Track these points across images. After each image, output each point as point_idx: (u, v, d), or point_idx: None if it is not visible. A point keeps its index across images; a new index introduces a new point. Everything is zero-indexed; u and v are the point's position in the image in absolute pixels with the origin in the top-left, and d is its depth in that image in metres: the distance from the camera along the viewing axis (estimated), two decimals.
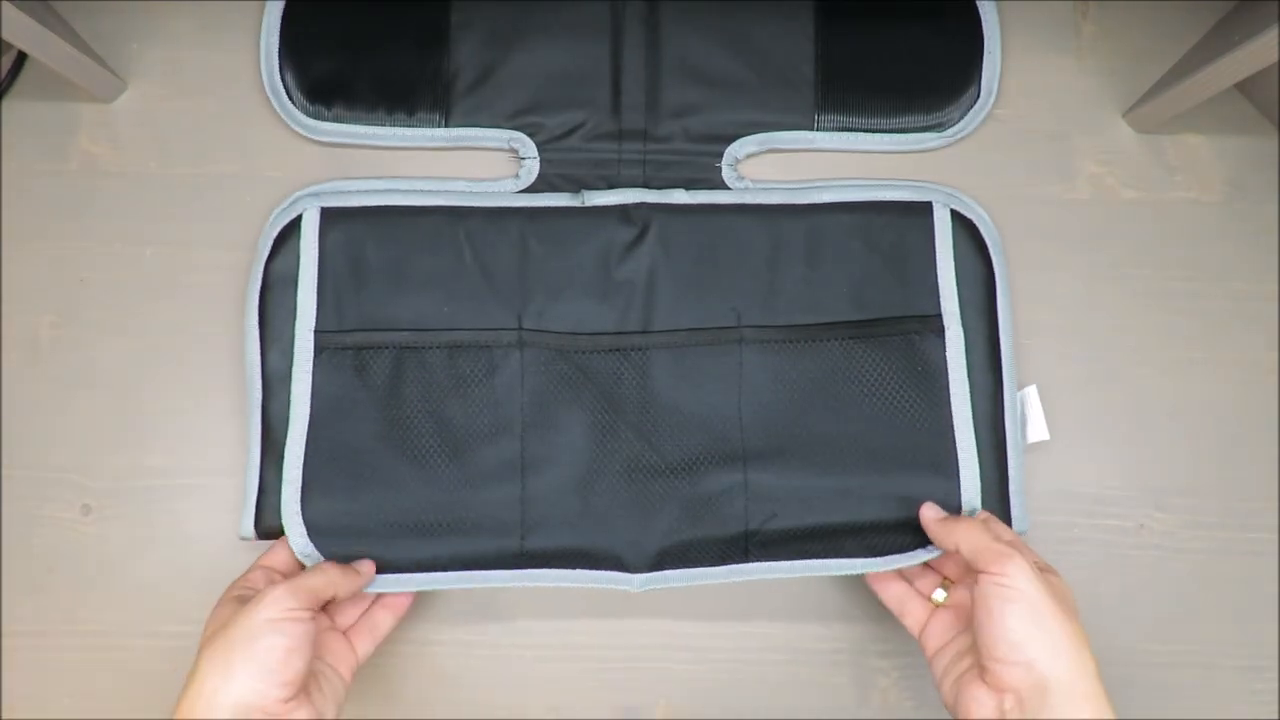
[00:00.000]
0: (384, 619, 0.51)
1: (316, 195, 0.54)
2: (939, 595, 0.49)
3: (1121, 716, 0.53)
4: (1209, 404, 0.56)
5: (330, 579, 0.46)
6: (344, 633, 0.50)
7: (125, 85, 0.58)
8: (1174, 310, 0.56)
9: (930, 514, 0.50)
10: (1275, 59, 0.48)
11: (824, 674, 0.54)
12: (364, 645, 0.50)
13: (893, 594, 0.51)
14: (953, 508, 0.51)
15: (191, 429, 0.55)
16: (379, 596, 0.51)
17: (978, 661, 0.44)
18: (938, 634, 0.48)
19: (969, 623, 0.47)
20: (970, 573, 0.46)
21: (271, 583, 0.45)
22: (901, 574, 0.51)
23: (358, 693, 0.53)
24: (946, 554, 0.49)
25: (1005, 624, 0.42)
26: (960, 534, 0.46)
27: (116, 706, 0.53)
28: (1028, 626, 0.42)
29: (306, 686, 0.44)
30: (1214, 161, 0.58)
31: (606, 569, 0.51)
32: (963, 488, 0.51)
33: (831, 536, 0.51)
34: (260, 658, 0.41)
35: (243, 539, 0.52)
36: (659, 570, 0.51)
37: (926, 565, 0.51)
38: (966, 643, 0.46)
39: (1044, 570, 0.45)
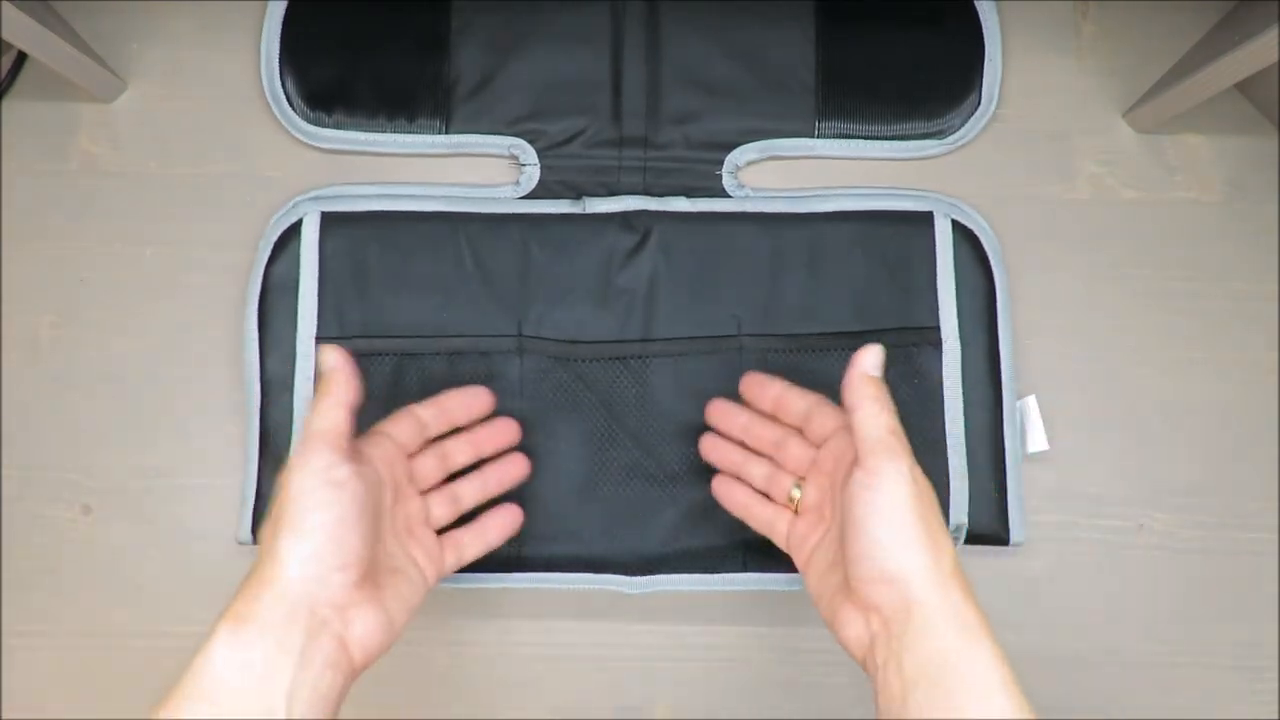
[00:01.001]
0: (495, 529, 0.47)
1: (316, 200, 0.54)
2: (795, 492, 0.45)
3: (1122, 716, 0.54)
4: (1209, 404, 0.56)
5: (338, 392, 0.41)
6: (437, 532, 0.45)
7: (125, 85, 0.57)
8: (1174, 310, 0.56)
9: (865, 364, 0.41)
10: (1275, 59, 0.48)
11: (824, 674, 0.54)
12: (468, 548, 0.46)
13: (756, 516, 0.47)
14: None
15: (191, 429, 0.55)
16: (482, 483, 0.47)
17: (844, 576, 0.40)
18: (804, 541, 0.44)
19: (830, 524, 0.43)
20: (831, 458, 0.43)
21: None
22: (748, 484, 0.47)
23: (357, 693, 0.53)
24: (825, 415, 0.45)
25: (870, 535, 0.38)
26: (862, 400, 0.40)
27: (116, 706, 0.53)
28: (894, 539, 0.38)
29: (376, 578, 0.40)
30: (1214, 161, 0.58)
31: (605, 574, 0.52)
32: (952, 502, 0.51)
33: None
34: (308, 538, 0.38)
35: (241, 544, 0.52)
36: (656, 576, 0.52)
37: (775, 465, 0.47)
38: (836, 551, 0.42)
39: (901, 438, 0.40)
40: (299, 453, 0.39)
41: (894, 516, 0.38)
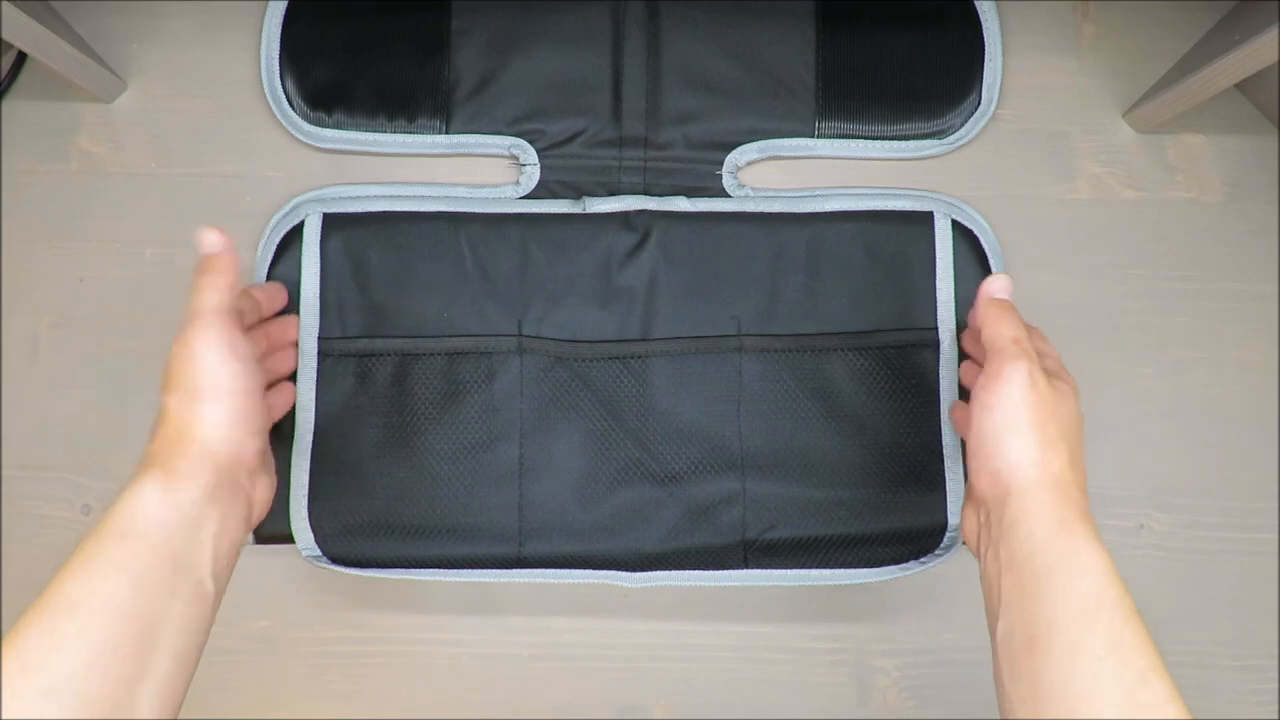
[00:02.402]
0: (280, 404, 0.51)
1: (318, 201, 0.54)
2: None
3: None
4: (1209, 404, 0.56)
5: (225, 269, 0.43)
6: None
7: (125, 85, 0.57)
8: (1174, 310, 0.56)
9: (991, 288, 0.45)
10: (1275, 59, 0.48)
11: (824, 674, 0.54)
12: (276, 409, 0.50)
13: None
14: (938, 523, 0.51)
15: None
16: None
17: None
18: (963, 430, 0.47)
19: None
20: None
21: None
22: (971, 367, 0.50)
23: (356, 692, 0.53)
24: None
25: (981, 430, 0.40)
26: (987, 317, 0.43)
27: None
28: (1001, 435, 0.40)
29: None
30: (1214, 161, 0.58)
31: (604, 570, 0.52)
32: (948, 503, 0.51)
33: (827, 547, 0.52)
34: (227, 406, 0.41)
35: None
36: (655, 572, 0.52)
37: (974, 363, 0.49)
38: None
39: (1054, 375, 0.43)
40: (197, 326, 0.42)
41: (1004, 414, 0.40)
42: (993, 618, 0.39)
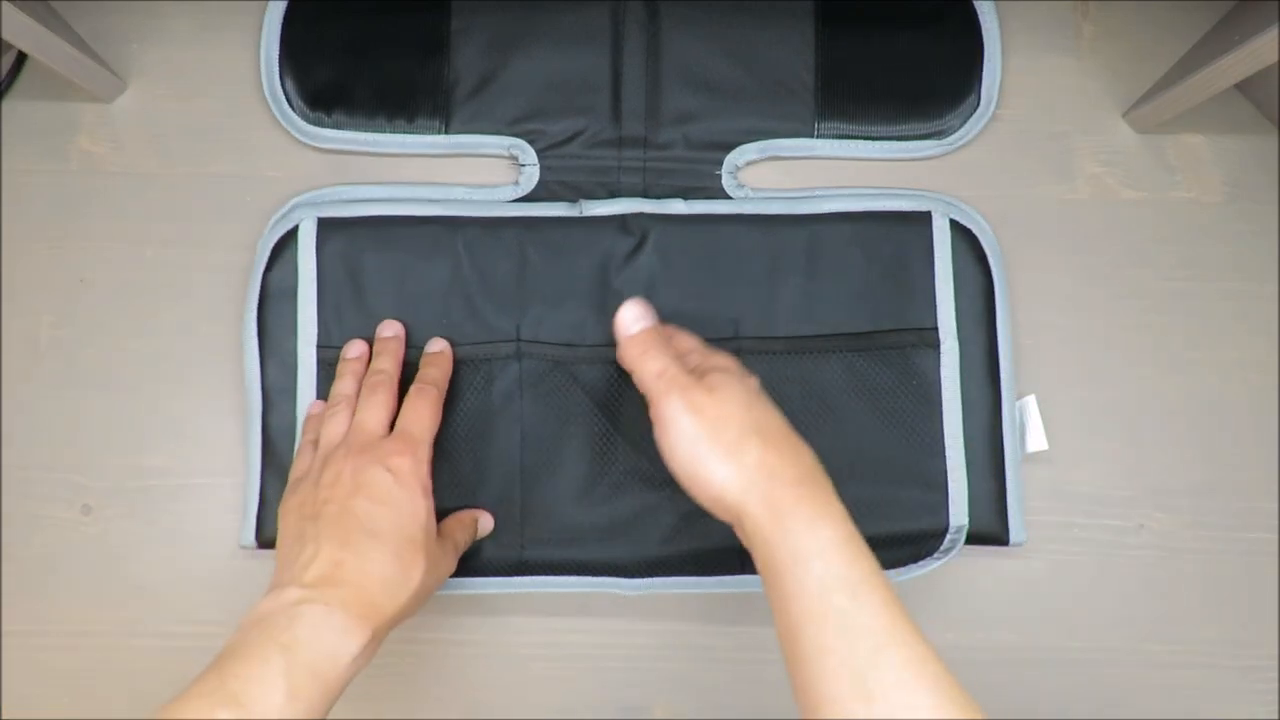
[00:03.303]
0: None
1: (313, 205, 0.54)
2: None
3: (1122, 716, 0.54)
4: (1209, 404, 0.56)
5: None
6: None
7: (125, 85, 0.57)
8: (1174, 310, 0.56)
9: (620, 326, 0.44)
10: (1275, 59, 0.48)
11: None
12: None
13: None
14: (939, 525, 0.51)
15: (191, 429, 0.55)
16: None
17: None
18: None
19: None
20: None
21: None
22: None
23: (355, 693, 0.53)
24: None
25: (679, 473, 0.41)
26: (626, 359, 0.43)
27: (116, 706, 0.53)
28: (695, 468, 0.40)
29: None
30: (1214, 161, 0.58)
31: (603, 576, 0.52)
32: (951, 504, 0.51)
33: None
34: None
35: (243, 548, 0.52)
36: (653, 578, 0.52)
37: None
38: None
39: (703, 371, 0.42)
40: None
41: (684, 452, 0.40)
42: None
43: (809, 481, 0.39)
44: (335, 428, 0.48)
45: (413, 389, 0.49)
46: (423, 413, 0.47)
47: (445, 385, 0.50)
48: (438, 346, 0.52)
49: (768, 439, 0.40)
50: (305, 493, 0.45)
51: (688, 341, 0.46)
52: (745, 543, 0.40)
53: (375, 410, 0.47)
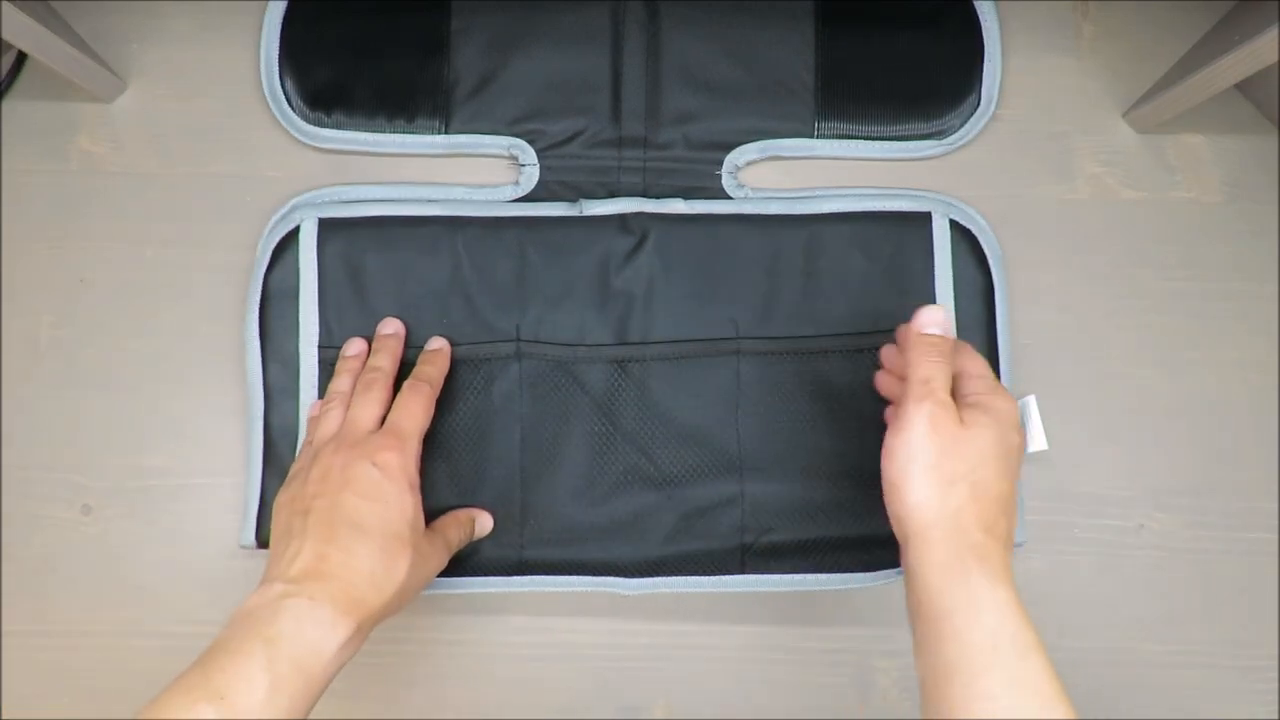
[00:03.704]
0: None
1: (314, 205, 0.54)
2: None
3: (1122, 716, 0.54)
4: (1209, 404, 0.56)
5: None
6: None
7: (125, 85, 0.57)
8: (1174, 310, 0.56)
9: (919, 320, 0.43)
10: (1275, 59, 0.48)
11: (824, 674, 0.54)
12: None
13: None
14: None
15: (192, 429, 0.55)
16: None
17: None
18: None
19: None
20: None
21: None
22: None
23: (355, 693, 0.53)
24: None
25: (887, 476, 0.41)
26: (909, 352, 0.43)
27: (116, 706, 0.53)
28: (901, 480, 0.40)
29: None
30: (1214, 161, 0.57)
31: (603, 575, 0.52)
32: None
33: (826, 550, 0.52)
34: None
35: (243, 548, 0.52)
36: (654, 577, 0.52)
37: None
38: None
39: (973, 404, 0.42)
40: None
41: (904, 459, 0.40)
42: (915, 654, 0.40)
43: (1000, 545, 0.40)
44: (329, 424, 0.48)
45: (406, 385, 0.49)
46: (413, 408, 0.47)
47: (440, 382, 0.50)
48: (436, 344, 0.52)
49: (979, 496, 0.40)
50: (296, 488, 0.45)
51: (978, 366, 0.44)
52: (905, 570, 0.41)
53: (368, 407, 0.47)
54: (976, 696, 0.36)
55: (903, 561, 0.41)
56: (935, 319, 0.44)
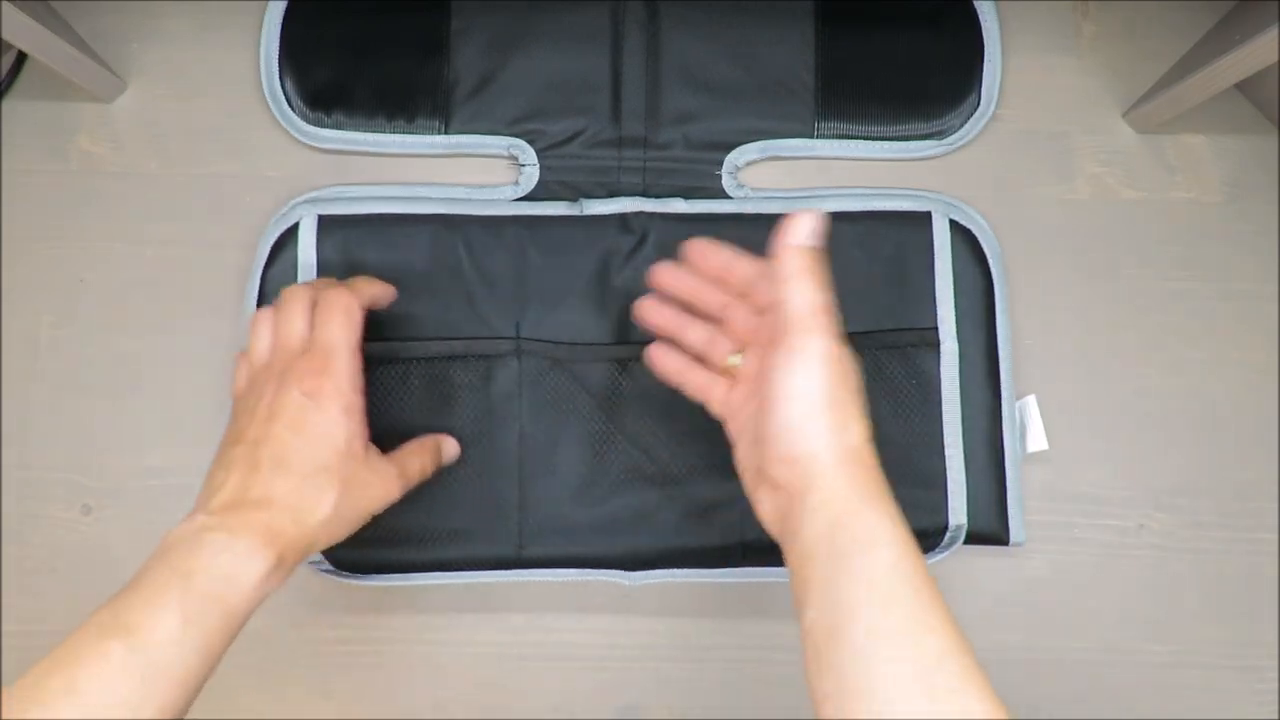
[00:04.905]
0: None
1: (313, 202, 0.54)
2: (733, 360, 0.43)
3: (1122, 716, 0.54)
4: (1209, 404, 0.56)
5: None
6: None
7: (125, 85, 0.57)
8: (1174, 310, 0.56)
9: (797, 233, 0.39)
10: (1275, 59, 0.48)
11: None
12: None
13: (691, 381, 0.45)
14: (939, 523, 0.51)
15: (191, 429, 0.55)
16: None
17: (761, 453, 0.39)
18: (738, 411, 0.42)
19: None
20: (768, 329, 0.40)
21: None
22: (686, 350, 0.46)
23: (354, 692, 0.53)
24: (763, 281, 0.42)
25: (780, 417, 0.38)
26: (790, 274, 0.38)
27: None
28: (802, 422, 0.37)
29: None
30: (1214, 161, 0.58)
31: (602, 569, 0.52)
32: (950, 503, 0.51)
33: None
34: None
35: None
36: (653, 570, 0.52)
37: (717, 330, 0.45)
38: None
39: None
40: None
41: (805, 399, 0.37)
42: (799, 609, 0.37)
43: (885, 486, 0.38)
44: (258, 343, 0.45)
45: (320, 296, 0.45)
46: (331, 316, 0.44)
47: (368, 296, 0.47)
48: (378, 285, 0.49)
49: (868, 427, 0.38)
50: (232, 421, 0.44)
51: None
52: (795, 516, 0.38)
53: (291, 321, 0.44)
54: (879, 638, 0.34)
55: (791, 508, 0.38)
56: (811, 229, 0.39)
